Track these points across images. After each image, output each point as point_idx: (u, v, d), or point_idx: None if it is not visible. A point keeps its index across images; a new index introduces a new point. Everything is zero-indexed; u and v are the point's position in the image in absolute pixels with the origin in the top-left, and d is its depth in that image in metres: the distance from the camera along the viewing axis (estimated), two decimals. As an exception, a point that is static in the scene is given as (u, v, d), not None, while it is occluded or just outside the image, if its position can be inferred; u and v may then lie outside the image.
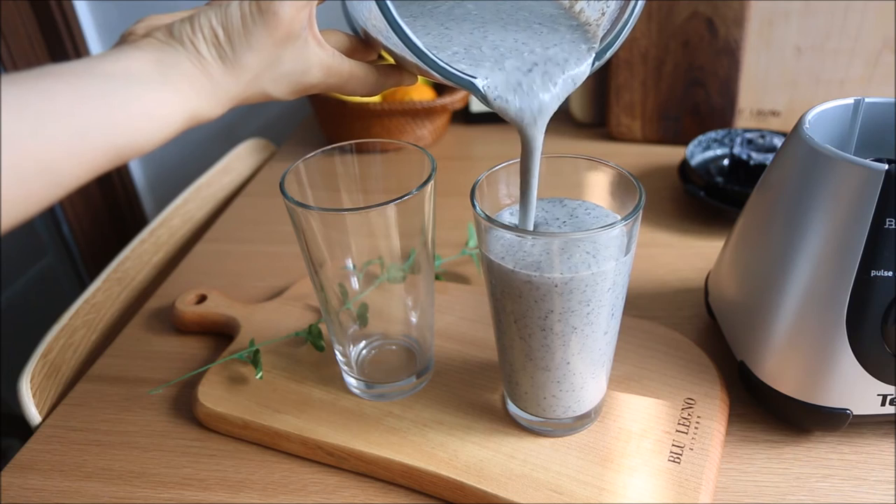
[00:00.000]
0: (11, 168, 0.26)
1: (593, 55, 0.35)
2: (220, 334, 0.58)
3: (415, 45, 0.32)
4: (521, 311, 0.38)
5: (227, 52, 0.32)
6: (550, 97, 0.34)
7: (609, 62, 0.82)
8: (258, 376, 0.49)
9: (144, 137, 0.30)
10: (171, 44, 0.32)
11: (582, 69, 0.35)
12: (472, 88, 0.34)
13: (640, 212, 0.37)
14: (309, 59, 0.34)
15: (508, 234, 0.38)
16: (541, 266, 0.36)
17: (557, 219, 0.41)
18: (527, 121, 0.35)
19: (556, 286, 0.36)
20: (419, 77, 0.39)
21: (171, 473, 0.45)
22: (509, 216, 0.41)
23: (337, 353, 0.48)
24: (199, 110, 0.32)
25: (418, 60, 0.33)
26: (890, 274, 0.38)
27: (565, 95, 0.35)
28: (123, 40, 0.33)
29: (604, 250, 0.37)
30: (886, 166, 0.36)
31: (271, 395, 0.48)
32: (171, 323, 0.59)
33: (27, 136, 0.26)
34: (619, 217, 0.40)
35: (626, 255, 0.37)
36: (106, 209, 1.11)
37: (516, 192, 0.40)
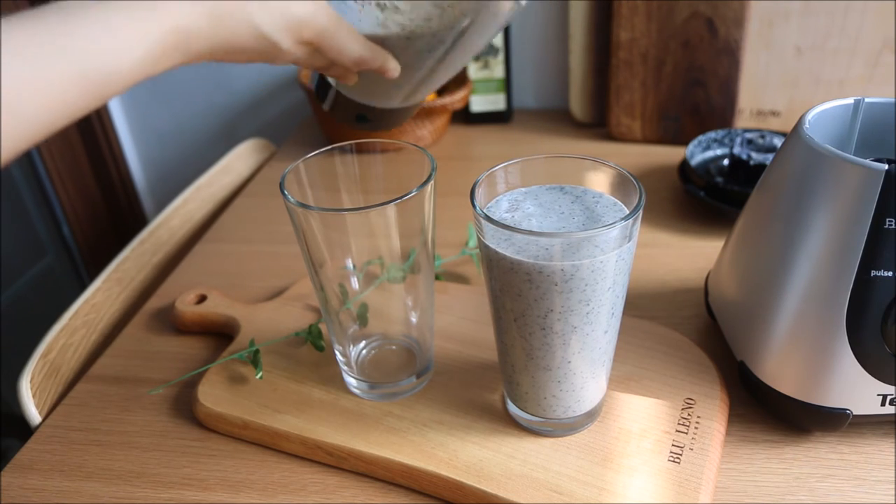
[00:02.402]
0: None
1: None
2: (220, 334, 0.58)
3: None
4: (520, 310, 0.38)
5: None
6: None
7: (609, 63, 0.82)
8: (258, 376, 0.49)
9: (116, 61, 0.28)
10: None
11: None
12: None
13: (640, 212, 0.37)
14: None
15: (507, 233, 0.38)
16: (539, 265, 0.36)
17: (568, 201, 0.41)
18: None
19: (555, 284, 0.36)
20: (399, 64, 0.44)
21: (171, 473, 0.45)
22: (507, 205, 0.41)
23: (337, 353, 0.48)
24: (180, 22, 0.30)
25: None
26: (890, 274, 0.38)
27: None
28: None
29: (603, 247, 0.37)
30: (886, 166, 0.36)
31: (271, 395, 0.48)
32: (171, 323, 0.59)
33: None
34: (623, 206, 0.40)
35: (625, 256, 0.37)
36: (106, 209, 1.11)
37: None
